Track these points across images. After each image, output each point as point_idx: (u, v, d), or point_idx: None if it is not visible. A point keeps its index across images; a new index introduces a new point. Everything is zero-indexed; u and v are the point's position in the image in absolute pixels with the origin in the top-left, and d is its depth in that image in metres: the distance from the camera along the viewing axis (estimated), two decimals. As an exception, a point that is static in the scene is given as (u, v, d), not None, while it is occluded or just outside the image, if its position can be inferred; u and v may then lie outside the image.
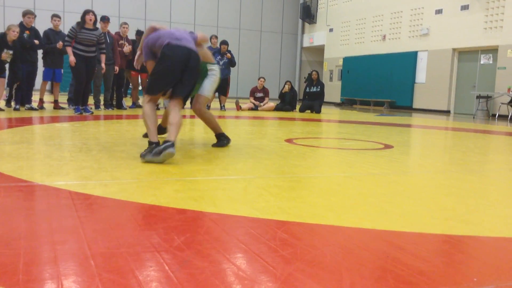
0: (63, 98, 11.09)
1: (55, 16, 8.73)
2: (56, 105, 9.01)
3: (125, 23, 10.04)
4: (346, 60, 21.15)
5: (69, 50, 7.54)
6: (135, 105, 10.80)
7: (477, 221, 2.26)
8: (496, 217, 2.36)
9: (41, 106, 8.66)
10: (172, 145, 3.40)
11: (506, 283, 1.50)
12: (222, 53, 11.13)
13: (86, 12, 7.69)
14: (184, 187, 2.69)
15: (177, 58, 3.71)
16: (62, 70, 9.17)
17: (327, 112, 13.55)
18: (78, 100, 7.92)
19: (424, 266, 1.60)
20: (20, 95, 8.35)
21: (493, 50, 14.70)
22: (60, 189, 2.50)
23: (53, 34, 8.62)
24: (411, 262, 1.63)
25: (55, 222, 1.93)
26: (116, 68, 9.44)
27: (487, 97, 14.34)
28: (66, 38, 7.66)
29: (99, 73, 8.67)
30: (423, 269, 1.58)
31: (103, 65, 8.30)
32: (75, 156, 3.59)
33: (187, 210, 2.18)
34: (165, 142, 3.42)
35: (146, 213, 2.14)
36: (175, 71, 3.72)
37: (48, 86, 10.04)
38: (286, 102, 12.75)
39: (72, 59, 7.48)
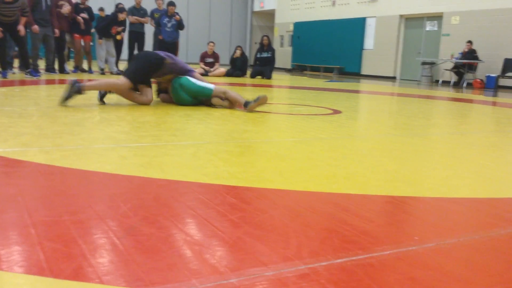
0: None
1: None
2: None
3: None
4: (297, 25, 21.10)
5: None
6: (78, 69, 10.38)
7: (419, 182, 2.35)
8: (437, 179, 2.46)
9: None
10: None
11: (445, 241, 1.57)
12: (170, 14, 10.80)
13: None
14: (130, 153, 2.63)
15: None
16: None
17: (277, 78, 13.56)
18: (4, 64, 7.85)
19: (368, 226, 1.65)
20: None
21: (438, 17, 15.08)
22: (-3, 157, 2.38)
23: None
24: (356, 223, 1.68)
25: (-7, 191, 1.84)
26: (56, 31, 8.98)
27: (432, 64, 14.79)
28: None
29: (34, 35, 8.35)
30: (367, 229, 1.63)
31: (20, 27, 7.81)
32: (14, 122, 3.42)
33: (134, 177, 2.14)
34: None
35: (90, 180, 2.08)
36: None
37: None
38: (237, 67, 12.63)
39: None
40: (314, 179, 2.28)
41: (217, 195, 1.94)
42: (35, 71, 8.15)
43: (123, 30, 10.43)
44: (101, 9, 11.02)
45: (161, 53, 5.00)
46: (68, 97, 4.46)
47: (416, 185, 2.29)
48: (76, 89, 4.45)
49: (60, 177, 2.08)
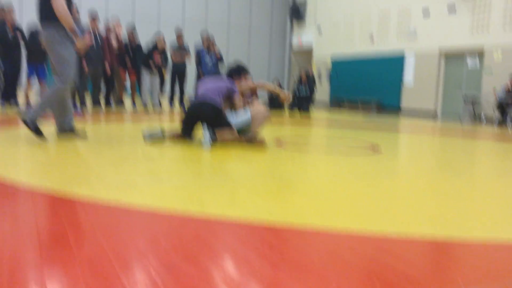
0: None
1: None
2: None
3: (117, 19, 10.03)
4: (335, 60, 21.24)
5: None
6: (122, 102, 10.73)
7: (464, 224, 2.28)
8: (483, 220, 2.38)
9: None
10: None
11: (491, 287, 1.51)
12: (211, 52, 11.08)
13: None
14: (172, 189, 2.68)
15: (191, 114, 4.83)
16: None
17: (315, 112, 13.59)
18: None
19: (411, 270, 1.61)
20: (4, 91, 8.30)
21: (479, 52, 14.86)
22: (43, 191, 2.47)
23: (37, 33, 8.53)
24: (398, 266, 1.64)
25: (40, 225, 1.91)
26: (107, 67, 9.36)
27: (474, 99, 14.49)
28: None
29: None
30: (410, 273, 1.59)
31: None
32: (61, 157, 3.55)
33: (175, 213, 2.17)
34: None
35: (133, 217, 2.12)
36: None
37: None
38: (276, 102, 12.75)
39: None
40: (355, 219, 2.25)
41: (256, 234, 1.94)
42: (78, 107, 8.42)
43: (165, 59, 10.78)
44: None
45: (217, 101, 4.83)
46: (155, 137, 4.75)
47: (461, 227, 2.22)
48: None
49: (104, 213, 2.14)
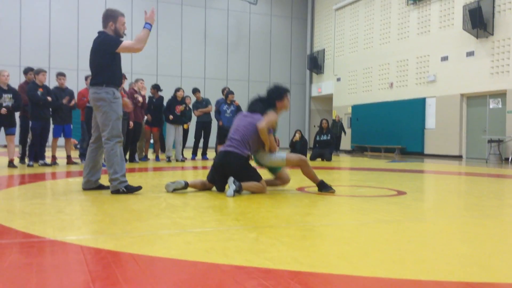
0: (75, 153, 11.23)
1: (60, 75, 9.03)
2: (69, 160, 9.13)
3: (142, 79, 10.38)
4: (355, 108, 21.35)
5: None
6: (146, 158, 10.90)
7: (495, 267, 2.20)
8: (515, 263, 2.30)
9: (54, 162, 8.78)
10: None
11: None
12: (229, 102, 11.31)
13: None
14: (195, 238, 2.67)
15: (217, 163, 4.88)
16: (72, 126, 9.37)
17: (338, 159, 13.54)
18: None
19: (443, 316, 1.55)
20: (34, 151, 8.49)
21: (501, 94, 14.77)
22: (71, 244, 2.50)
23: (59, 92, 8.86)
24: (429, 312, 1.58)
25: (66, 278, 1.92)
26: (131, 123, 9.61)
27: (499, 141, 14.27)
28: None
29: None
30: (442, 318, 1.53)
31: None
32: (87, 210, 3.60)
33: (198, 262, 2.16)
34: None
35: (157, 266, 2.12)
36: (218, 172, 4.86)
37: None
38: (297, 150, 12.76)
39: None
40: (381, 264, 2.19)
41: (281, 281, 1.91)
42: None
43: (187, 108, 11.04)
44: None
45: (241, 148, 4.85)
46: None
47: (492, 271, 2.14)
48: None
49: (128, 264, 2.14)
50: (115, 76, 4.73)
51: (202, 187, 5.00)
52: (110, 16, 4.70)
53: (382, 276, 2.01)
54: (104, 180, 4.99)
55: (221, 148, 5.02)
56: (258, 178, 4.84)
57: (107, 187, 4.82)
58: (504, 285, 1.94)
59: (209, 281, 1.89)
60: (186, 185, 4.83)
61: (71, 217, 3.33)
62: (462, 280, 1.98)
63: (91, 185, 4.85)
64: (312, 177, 5.07)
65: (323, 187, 4.98)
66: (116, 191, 4.57)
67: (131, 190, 4.58)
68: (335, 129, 19.48)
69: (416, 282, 1.93)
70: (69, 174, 7.01)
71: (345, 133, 19.55)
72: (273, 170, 5.21)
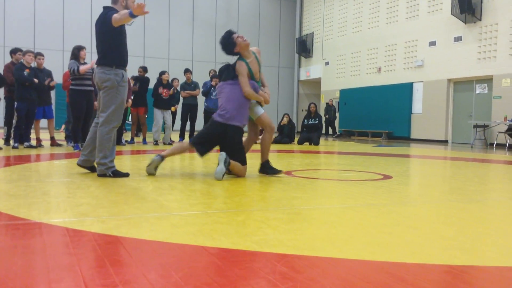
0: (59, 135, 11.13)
1: (39, 55, 8.88)
2: (53, 142, 9.03)
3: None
4: (343, 92, 21.38)
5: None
6: (134, 140, 10.83)
7: (478, 251, 2.24)
8: (497, 246, 2.34)
9: (39, 144, 8.68)
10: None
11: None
12: (215, 85, 11.24)
13: (80, 48, 7.91)
14: (181, 221, 2.67)
15: (213, 131, 4.88)
16: (53, 106, 9.27)
17: (325, 143, 13.59)
18: (77, 137, 7.97)
19: (426, 298, 1.58)
20: (19, 133, 8.38)
21: (488, 80, 14.89)
22: (57, 227, 2.48)
23: (38, 72, 8.73)
24: (413, 294, 1.61)
25: (52, 260, 1.91)
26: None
27: (484, 126, 14.42)
28: (72, 69, 7.74)
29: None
30: (425, 300, 1.55)
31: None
32: (73, 193, 3.58)
33: (185, 245, 2.16)
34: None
35: (143, 249, 2.12)
36: (210, 139, 4.89)
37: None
38: (285, 134, 12.81)
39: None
40: (367, 247, 2.22)
41: (268, 264, 1.92)
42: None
43: (175, 91, 10.97)
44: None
45: (240, 119, 4.90)
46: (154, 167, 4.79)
47: (475, 254, 2.18)
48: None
49: (114, 246, 2.14)
50: (124, 57, 4.67)
51: (180, 152, 5.08)
52: None
53: (367, 259, 2.04)
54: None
55: (216, 116, 4.89)
56: (244, 161, 4.85)
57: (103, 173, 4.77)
58: (485, 268, 1.98)
59: (196, 264, 1.89)
60: (162, 158, 4.80)
61: (56, 199, 3.31)
62: (445, 263, 2.01)
63: (87, 164, 4.81)
64: (265, 151, 5.10)
65: (267, 169, 5.05)
66: (102, 175, 4.54)
67: (117, 175, 4.55)
68: (329, 113, 19.70)
69: (400, 265, 1.96)
70: (54, 157, 6.94)
71: (336, 117, 19.91)
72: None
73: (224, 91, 4.98)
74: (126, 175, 4.60)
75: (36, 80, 8.32)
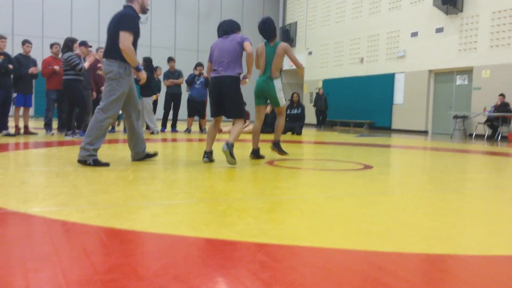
0: (34, 123, 10.93)
1: (27, 42, 8.77)
2: (26, 130, 8.88)
3: (102, 48, 10.13)
4: (326, 82, 21.43)
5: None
6: (113, 129, 10.72)
7: (455, 240, 2.28)
8: (474, 235, 2.38)
9: (17, 132, 8.53)
10: (226, 143, 4.78)
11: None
12: (198, 73, 11.18)
13: (74, 41, 8.17)
14: (162, 211, 2.66)
15: (212, 90, 5.16)
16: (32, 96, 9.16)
17: (307, 133, 13.64)
18: (83, 125, 8.46)
19: (404, 286, 1.60)
20: None
21: (468, 71, 15.08)
22: (35, 216, 2.45)
23: (24, 59, 8.60)
24: (391, 282, 1.63)
25: (29, 249, 1.88)
26: (94, 93, 9.42)
27: (464, 117, 14.63)
28: (79, 66, 7.99)
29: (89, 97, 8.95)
30: (403, 289, 1.57)
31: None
32: (52, 182, 3.53)
33: (165, 235, 2.15)
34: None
35: (123, 239, 2.10)
36: (214, 101, 5.19)
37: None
38: (268, 124, 12.79)
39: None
40: (346, 236, 2.24)
41: (248, 253, 1.92)
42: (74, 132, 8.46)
43: (156, 85, 10.90)
44: None
45: (235, 69, 5.14)
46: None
47: (452, 243, 2.22)
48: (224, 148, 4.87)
49: (93, 236, 2.12)
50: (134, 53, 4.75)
51: (215, 133, 5.29)
52: None
53: (347, 247, 2.05)
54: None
55: (212, 73, 5.17)
56: (242, 113, 5.12)
57: (153, 155, 5.14)
58: (462, 257, 2.01)
59: (176, 254, 1.89)
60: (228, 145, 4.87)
61: (35, 188, 3.26)
62: (423, 252, 2.04)
63: (140, 156, 5.02)
64: (279, 131, 6.17)
65: (277, 147, 6.10)
66: (83, 162, 4.49)
67: (97, 164, 4.51)
68: (319, 102, 19.39)
69: (379, 254, 1.98)
70: (33, 145, 6.83)
71: (327, 107, 19.43)
72: (275, 103, 6.02)
73: (218, 46, 5.18)
74: (106, 164, 4.56)
75: (10, 66, 8.16)
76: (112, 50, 4.64)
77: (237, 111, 5.09)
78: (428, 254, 2.01)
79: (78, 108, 8.36)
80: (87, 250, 1.90)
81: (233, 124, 5.21)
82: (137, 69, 4.74)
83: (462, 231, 2.46)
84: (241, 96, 5.15)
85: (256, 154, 5.79)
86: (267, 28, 5.90)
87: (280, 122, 6.11)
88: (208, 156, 5.15)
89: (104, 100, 4.63)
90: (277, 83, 5.90)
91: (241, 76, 5.19)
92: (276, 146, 6.11)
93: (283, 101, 5.98)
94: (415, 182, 4.36)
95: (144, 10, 4.86)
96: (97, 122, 4.56)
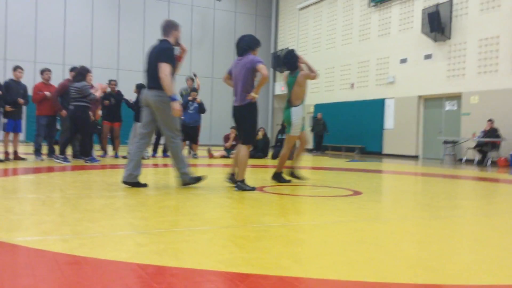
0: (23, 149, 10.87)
1: (18, 68, 8.80)
2: (16, 156, 8.82)
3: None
4: (317, 107, 21.58)
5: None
6: (105, 154, 10.68)
7: (441, 269, 2.27)
8: (460, 264, 2.38)
9: (7, 158, 8.48)
10: (236, 185, 5.12)
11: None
12: (192, 99, 11.23)
13: (89, 71, 8.71)
14: (147, 240, 2.64)
15: (234, 118, 5.45)
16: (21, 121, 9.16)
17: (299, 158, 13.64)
18: (89, 152, 8.72)
19: (386, 318, 1.59)
20: None
21: (457, 97, 15.26)
22: (17, 246, 2.42)
23: (14, 84, 8.61)
24: (373, 314, 1.62)
25: (9, 281, 1.86)
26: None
27: (454, 142, 14.74)
28: (91, 96, 8.38)
29: (64, 120, 9.06)
30: (385, 321, 1.56)
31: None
32: (38, 210, 3.50)
33: (148, 265, 2.13)
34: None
35: (105, 270, 2.08)
36: (237, 128, 5.53)
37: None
38: (259, 149, 12.82)
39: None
40: (331, 266, 2.23)
41: (231, 285, 1.91)
42: (65, 158, 8.41)
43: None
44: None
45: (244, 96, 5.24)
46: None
47: (438, 272, 2.21)
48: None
49: (75, 267, 2.09)
50: (172, 82, 4.99)
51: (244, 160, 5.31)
52: (173, 26, 5.31)
53: (331, 278, 2.04)
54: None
55: (233, 102, 5.40)
56: (248, 139, 5.23)
57: (143, 185, 5.05)
58: (447, 286, 2.01)
59: (157, 285, 1.87)
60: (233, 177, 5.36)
61: (19, 217, 3.22)
62: (408, 282, 2.04)
63: (133, 179, 5.01)
64: (280, 163, 6.31)
65: (277, 179, 6.20)
66: (186, 184, 5.13)
67: (141, 185, 5.00)
68: (318, 127, 19.19)
69: (363, 284, 1.97)
70: (21, 171, 6.78)
71: (327, 131, 19.16)
72: (287, 130, 6.37)
73: (234, 69, 5.37)
74: (144, 185, 5.04)
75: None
76: (157, 82, 4.88)
77: (243, 137, 5.27)
78: (413, 284, 2.00)
79: (82, 135, 8.56)
80: (69, 282, 1.87)
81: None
82: (172, 99, 4.87)
83: (448, 260, 2.45)
84: (253, 124, 5.27)
85: (277, 178, 6.18)
86: (289, 61, 6.51)
87: (284, 152, 6.37)
88: (231, 178, 5.46)
89: (171, 129, 5.02)
90: (295, 111, 6.25)
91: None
92: (276, 178, 6.23)
93: (294, 130, 6.20)
94: (404, 208, 4.37)
95: (177, 43, 5.34)
96: (177, 149, 5.06)
